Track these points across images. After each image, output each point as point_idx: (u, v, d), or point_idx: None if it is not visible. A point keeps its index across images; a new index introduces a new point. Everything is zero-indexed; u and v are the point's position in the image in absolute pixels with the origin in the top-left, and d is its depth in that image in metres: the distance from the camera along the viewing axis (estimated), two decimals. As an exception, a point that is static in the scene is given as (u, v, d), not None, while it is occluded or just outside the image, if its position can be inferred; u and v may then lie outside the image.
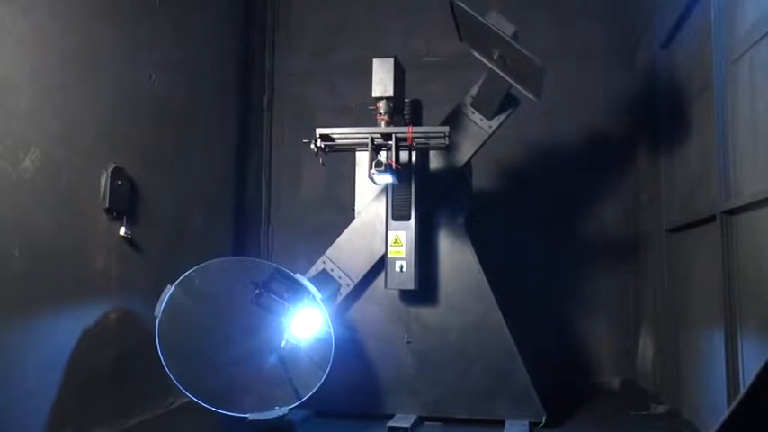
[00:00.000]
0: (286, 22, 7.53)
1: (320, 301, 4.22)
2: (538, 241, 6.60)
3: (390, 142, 4.27)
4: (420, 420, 4.83)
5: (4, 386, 3.64)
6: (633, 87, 6.49)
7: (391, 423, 4.61)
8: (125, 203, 4.65)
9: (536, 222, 6.66)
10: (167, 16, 5.32)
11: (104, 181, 4.47)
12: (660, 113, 5.46)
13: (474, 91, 4.95)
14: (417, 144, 4.41)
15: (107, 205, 4.47)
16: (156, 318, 4.07)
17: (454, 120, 4.94)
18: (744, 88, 3.74)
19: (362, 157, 5.03)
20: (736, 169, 3.82)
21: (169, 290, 4.14)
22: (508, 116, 4.92)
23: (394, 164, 4.24)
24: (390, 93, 4.42)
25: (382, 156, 4.31)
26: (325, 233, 7.04)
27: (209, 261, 4.29)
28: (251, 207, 7.00)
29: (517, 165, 6.79)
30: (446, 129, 4.26)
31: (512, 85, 4.37)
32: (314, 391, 4.09)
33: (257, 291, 4.39)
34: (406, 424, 4.59)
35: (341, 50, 7.35)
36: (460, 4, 4.11)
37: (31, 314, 3.84)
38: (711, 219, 4.09)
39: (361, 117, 6.56)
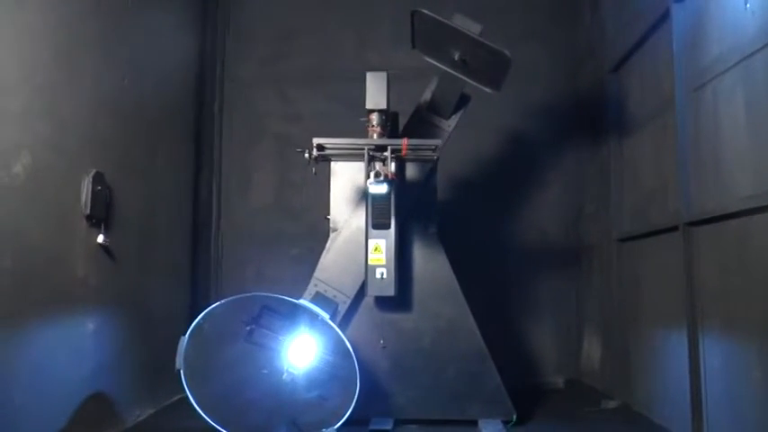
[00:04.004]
0: (237, 30, 7.43)
1: (330, 321, 4.30)
2: (483, 248, 6.92)
3: (386, 153, 4.40)
4: (395, 423, 4.97)
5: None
6: (578, 107, 6.97)
7: (373, 426, 4.72)
8: (104, 210, 4.49)
9: (481, 232, 6.97)
10: (137, 17, 5.17)
11: (86, 186, 4.28)
12: (609, 133, 5.93)
13: (428, 95, 5.15)
14: (408, 156, 4.56)
15: (88, 212, 4.29)
16: (178, 371, 4.17)
17: (415, 126, 5.11)
18: (707, 114, 4.20)
19: (338, 168, 5.11)
20: (699, 186, 4.27)
21: (183, 341, 4.20)
22: (463, 113, 5.17)
23: (390, 174, 4.37)
24: (383, 105, 4.56)
25: (377, 166, 4.43)
26: (275, 240, 7.12)
27: (214, 305, 4.38)
28: (203, 214, 6.87)
29: (464, 178, 7.07)
30: (438, 142, 4.45)
31: (466, 84, 4.58)
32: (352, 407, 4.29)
33: (248, 328, 4.37)
34: (388, 427, 4.73)
35: (292, 59, 7.36)
36: (426, 12, 4.22)
37: (16, 327, 3.63)
38: (672, 229, 4.54)
39: (310, 125, 6.67)
